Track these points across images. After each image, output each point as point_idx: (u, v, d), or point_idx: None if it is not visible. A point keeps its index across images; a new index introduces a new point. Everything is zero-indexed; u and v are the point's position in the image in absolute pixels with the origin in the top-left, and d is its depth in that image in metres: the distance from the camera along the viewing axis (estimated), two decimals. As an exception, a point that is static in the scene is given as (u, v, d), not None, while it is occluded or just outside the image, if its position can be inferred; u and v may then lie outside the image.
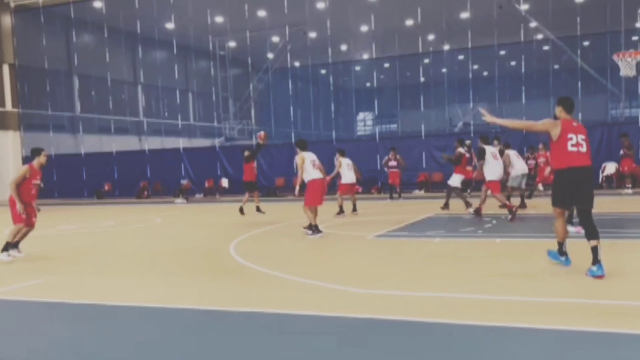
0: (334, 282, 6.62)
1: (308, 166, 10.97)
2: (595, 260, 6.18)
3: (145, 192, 27.23)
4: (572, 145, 6.27)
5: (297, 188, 11.04)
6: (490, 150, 12.66)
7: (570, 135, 6.29)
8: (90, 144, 31.33)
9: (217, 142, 37.43)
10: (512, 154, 13.97)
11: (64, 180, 29.22)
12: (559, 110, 6.57)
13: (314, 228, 10.90)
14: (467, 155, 19.22)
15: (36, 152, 9.88)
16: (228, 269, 7.95)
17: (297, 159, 11.03)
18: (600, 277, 6.10)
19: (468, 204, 13.82)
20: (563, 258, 6.85)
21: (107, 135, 32.57)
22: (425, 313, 5.26)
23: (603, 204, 12.34)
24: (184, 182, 26.44)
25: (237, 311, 5.65)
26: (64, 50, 32.44)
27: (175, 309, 5.89)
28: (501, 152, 13.51)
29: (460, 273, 7.04)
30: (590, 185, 6.48)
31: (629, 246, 8.42)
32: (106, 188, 28.36)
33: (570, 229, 8.53)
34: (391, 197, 20.22)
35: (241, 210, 14.77)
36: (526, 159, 20.14)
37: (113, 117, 33.70)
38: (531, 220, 12.33)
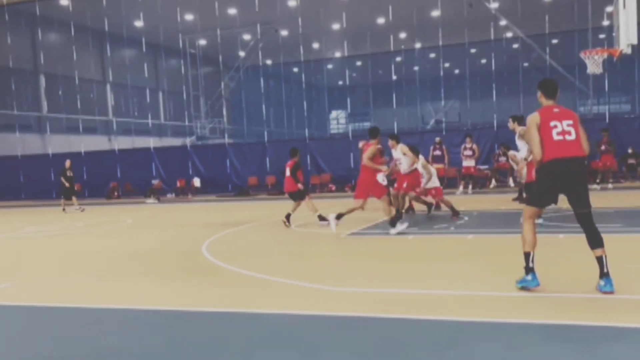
0: (308, 280, 6.55)
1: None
2: (602, 274, 5.29)
3: (116, 193, 26.78)
4: (558, 134, 5.35)
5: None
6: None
7: (553, 123, 5.39)
8: (58, 144, 30.70)
9: (188, 141, 37.07)
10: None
11: (31, 182, 28.61)
12: (539, 96, 5.73)
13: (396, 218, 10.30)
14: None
15: None
16: (201, 269, 7.81)
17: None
18: (609, 292, 5.21)
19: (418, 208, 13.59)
20: (529, 277, 5.53)
21: (76, 135, 31.99)
22: (399, 310, 5.23)
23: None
24: (155, 182, 26.08)
25: (210, 311, 5.56)
26: (29, 48, 31.73)
27: (147, 310, 5.74)
28: (505, 155, 13.80)
29: (433, 270, 7.04)
30: (584, 181, 5.48)
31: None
32: (75, 189, 27.79)
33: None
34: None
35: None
36: (497, 156, 20.36)
37: (81, 116, 33.11)
38: (503, 217, 12.42)
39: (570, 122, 5.42)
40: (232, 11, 32.59)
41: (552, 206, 6.34)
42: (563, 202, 5.77)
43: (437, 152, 19.26)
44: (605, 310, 4.95)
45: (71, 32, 32.16)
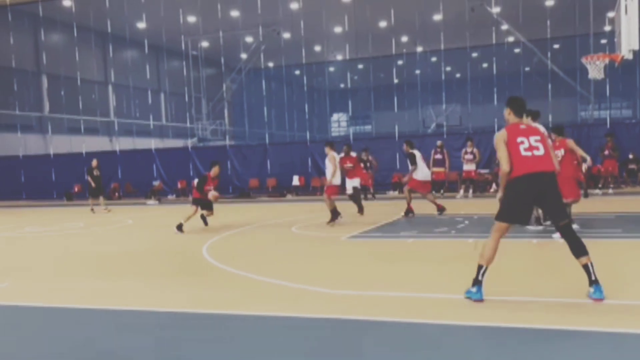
0: (307, 283, 6.55)
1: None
2: (591, 281, 5.28)
3: (117, 194, 26.81)
4: (526, 150, 5.38)
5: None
6: (418, 155, 13.40)
7: (520, 139, 5.42)
8: (59, 144, 30.74)
9: (189, 142, 37.11)
10: None
11: (32, 182, 28.63)
12: (507, 113, 5.71)
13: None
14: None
15: None
16: (201, 271, 7.82)
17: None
18: (599, 300, 5.22)
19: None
20: (474, 289, 5.46)
21: (77, 136, 32.02)
22: (400, 313, 5.23)
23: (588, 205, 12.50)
24: (156, 183, 26.10)
25: (209, 313, 5.56)
26: (32, 49, 31.79)
27: (148, 311, 5.75)
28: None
29: (434, 273, 7.05)
30: (556, 193, 5.44)
31: (605, 246, 8.52)
32: (76, 189, 27.82)
33: (554, 235, 8.56)
34: (365, 198, 20.22)
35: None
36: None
37: (83, 117, 33.14)
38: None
39: (538, 137, 5.46)
40: (234, 13, 32.66)
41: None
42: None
43: (438, 156, 19.25)
44: (600, 315, 4.96)
45: (74, 33, 32.22)
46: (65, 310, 6.01)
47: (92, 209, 19.05)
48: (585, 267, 5.31)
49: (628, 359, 4.05)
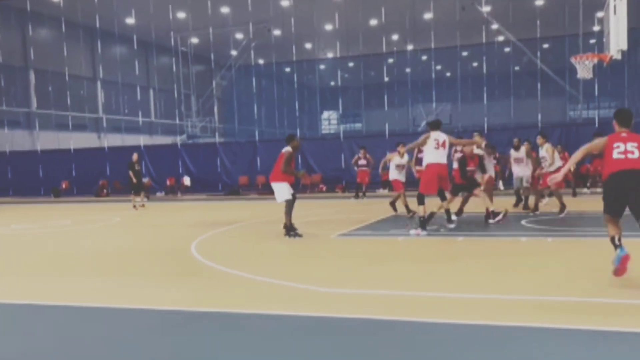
0: (296, 281, 6.51)
1: (430, 145, 10.34)
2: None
3: (105, 191, 26.62)
4: (619, 153, 5.98)
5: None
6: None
7: (617, 144, 6.03)
8: (47, 140, 30.47)
9: (179, 139, 36.93)
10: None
11: (19, 178, 28.39)
12: (614, 123, 6.30)
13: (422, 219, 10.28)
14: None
15: None
16: (189, 269, 7.76)
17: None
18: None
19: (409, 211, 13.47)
20: (617, 251, 6.10)
21: (65, 132, 31.75)
22: (387, 312, 5.20)
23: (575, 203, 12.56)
24: (145, 180, 25.91)
25: (196, 311, 5.51)
26: (19, 44, 31.45)
27: (135, 309, 5.69)
28: (495, 157, 14.09)
29: (421, 272, 7.04)
30: None
31: (594, 244, 8.56)
32: (64, 186, 27.62)
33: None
34: (356, 196, 20.21)
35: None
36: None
37: (71, 113, 32.87)
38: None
39: (635, 144, 6.01)
40: (224, 10, 32.51)
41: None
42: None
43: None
44: (597, 314, 4.96)
45: (62, 29, 31.94)
46: (51, 308, 5.92)
47: (134, 206, 18.32)
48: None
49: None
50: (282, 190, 10.45)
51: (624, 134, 6.13)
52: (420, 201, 10.29)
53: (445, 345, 4.38)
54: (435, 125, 10.64)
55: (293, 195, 10.52)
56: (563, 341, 4.34)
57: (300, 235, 10.29)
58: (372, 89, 42.77)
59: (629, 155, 5.94)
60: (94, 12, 30.85)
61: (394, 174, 13.79)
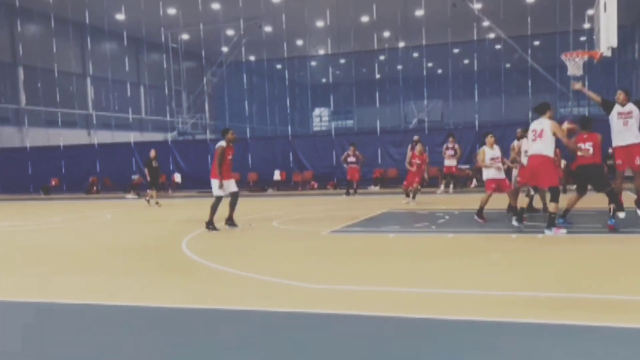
0: (287, 277, 6.49)
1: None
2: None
3: (95, 188, 26.48)
4: None
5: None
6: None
7: None
8: (36, 137, 30.24)
9: (169, 136, 36.77)
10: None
11: (8, 175, 28.19)
12: None
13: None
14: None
15: None
16: (180, 266, 7.71)
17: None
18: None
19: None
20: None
21: (55, 129, 31.54)
22: (377, 308, 5.19)
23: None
24: (135, 177, 25.81)
25: (186, 308, 5.48)
26: (7, 40, 31.17)
27: (123, 306, 5.64)
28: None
29: (411, 268, 7.03)
30: None
31: (586, 241, 8.60)
32: (53, 183, 27.44)
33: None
34: (347, 193, 20.22)
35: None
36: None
37: (61, 109, 32.63)
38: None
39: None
40: (215, 6, 32.37)
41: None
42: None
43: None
44: (588, 310, 4.98)
45: (51, 24, 31.68)
46: (43, 305, 5.87)
47: (157, 202, 18.11)
48: None
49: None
50: (213, 186, 10.95)
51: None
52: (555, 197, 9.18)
53: (436, 341, 4.37)
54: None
55: (234, 193, 11.00)
56: (556, 337, 4.34)
57: (217, 230, 10.88)
58: (363, 86, 42.76)
59: None
60: (84, 7, 30.63)
61: (488, 172, 11.64)
